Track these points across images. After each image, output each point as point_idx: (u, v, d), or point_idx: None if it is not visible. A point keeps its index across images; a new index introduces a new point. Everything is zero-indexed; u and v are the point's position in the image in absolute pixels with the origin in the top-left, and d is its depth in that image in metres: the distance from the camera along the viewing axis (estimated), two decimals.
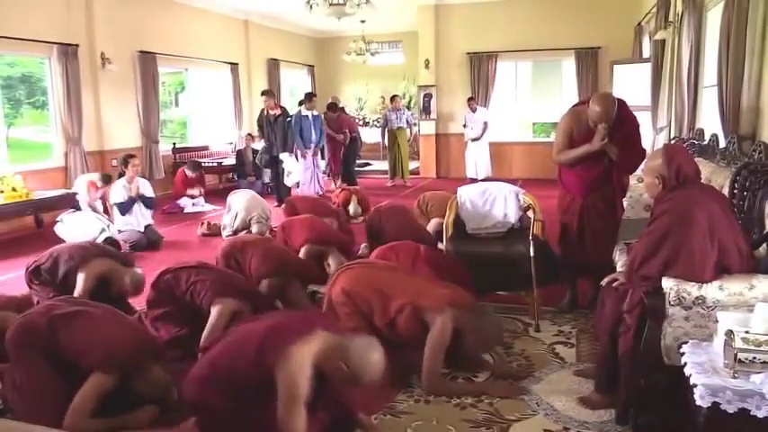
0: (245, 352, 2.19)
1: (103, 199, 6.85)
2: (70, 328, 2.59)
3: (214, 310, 3.17)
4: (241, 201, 6.49)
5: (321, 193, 8.85)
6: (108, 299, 3.42)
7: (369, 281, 3.13)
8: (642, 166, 3.32)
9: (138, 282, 3.72)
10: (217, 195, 9.08)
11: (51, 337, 2.55)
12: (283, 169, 8.50)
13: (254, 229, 6.27)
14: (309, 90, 12.97)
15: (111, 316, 2.81)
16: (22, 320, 2.66)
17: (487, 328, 3.04)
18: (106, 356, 2.51)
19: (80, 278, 3.63)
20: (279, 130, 8.33)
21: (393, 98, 10.83)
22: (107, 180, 6.91)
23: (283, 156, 8.36)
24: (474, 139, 10.34)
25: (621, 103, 3.65)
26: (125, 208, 6.13)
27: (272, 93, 8.71)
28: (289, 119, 8.42)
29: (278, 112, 8.37)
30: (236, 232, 6.23)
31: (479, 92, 10.75)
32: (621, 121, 3.60)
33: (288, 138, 8.37)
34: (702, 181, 2.85)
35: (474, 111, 10.29)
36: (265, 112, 8.38)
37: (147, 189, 6.39)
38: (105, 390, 2.50)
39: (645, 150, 3.76)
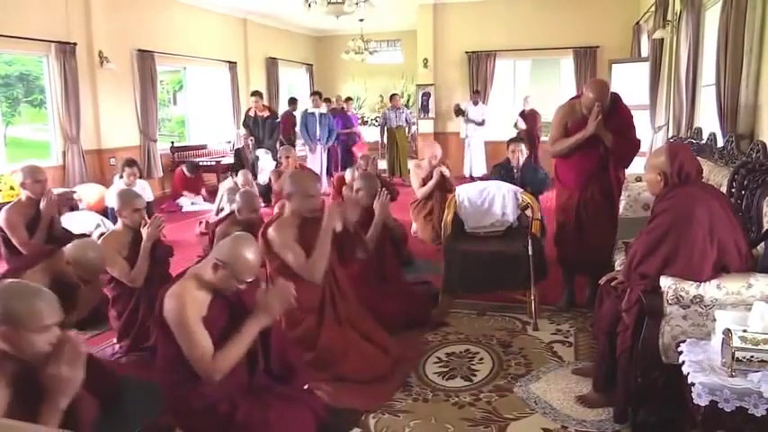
0: (157, 334, 2.26)
1: None
2: None
3: None
4: (224, 182, 6.83)
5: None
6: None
7: None
8: (642, 162, 3.33)
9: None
10: (215, 194, 9.06)
11: None
12: (258, 166, 8.50)
13: (239, 179, 6.71)
14: (309, 89, 13.07)
15: None
16: None
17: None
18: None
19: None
20: (267, 131, 8.36)
21: (392, 97, 10.86)
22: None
23: (260, 152, 8.36)
24: (478, 124, 10.39)
25: (615, 95, 3.67)
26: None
27: (261, 94, 8.71)
28: (277, 120, 8.44)
29: (266, 114, 8.41)
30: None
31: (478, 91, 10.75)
32: (616, 110, 3.63)
33: (274, 135, 8.44)
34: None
35: (476, 104, 10.34)
36: (253, 112, 8.40)
37: (147, 192, 6.38)
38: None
39: (639, 141, 3.78)
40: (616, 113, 3.64)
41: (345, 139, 10.99)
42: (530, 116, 9.99)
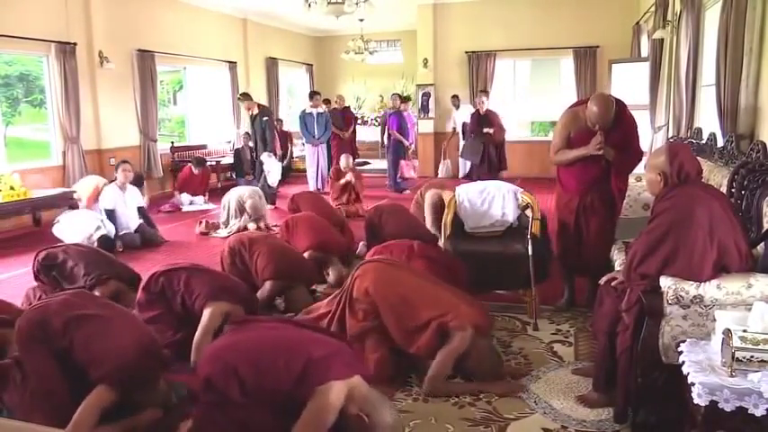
0: (289, 365, 2.18)
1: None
2: (84, 333, 2.54)
3: (206, 312, 3.16)
4: (232, 192, 6.79)
5: (320, 189, 9.11)
6: None
7: (396, 286, 3.06)
8: (643, 163, 3.32)
9: None
10: (215, 194, 9.08)
11: (64, 339, 2.52)
12: (263, 170, 8.47)
13: (248, 203, 6.60)
14: (309, 89, 13.09)
15: (124, 322, 2.75)
16: (36, 314, 2.61)
17: (491, 359, 3.04)
18: (115, 372, 2.47)
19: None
20: (258, 129, 8.34)
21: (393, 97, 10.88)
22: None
23: (263, 156, 8.34)
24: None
25: (620, 104, 3.64)
26: (112, 215, 6.08)
27: (247, 95, 8.63)
28: (266, 117, 8.38)
29: (255, 111, 8.32)
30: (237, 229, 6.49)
31: (477, 91, 10.74)
32: (620, 121, 3.59)
33: (267, 137, 8.31)
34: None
35: (458, 108, 10.35)
36: (249, 113, 8.42)
37: (137, 199, 6.38)
38: (109, 404, 2.46)
39: (642, 152, 3.76)
40: (620, 125, 3.60)
41: (395, 146, 9.77)
42: (492, 116, 8.80)
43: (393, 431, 2.22)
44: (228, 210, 6.69)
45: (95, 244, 5.45)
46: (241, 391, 2.17)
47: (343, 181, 7.74)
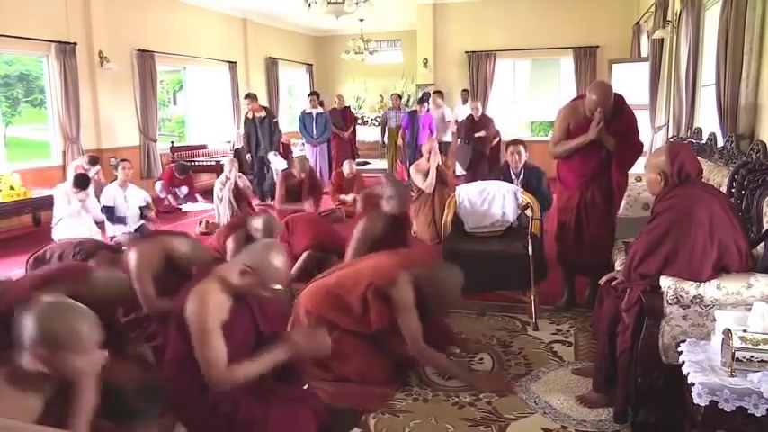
0: (172, 328, 2.22)
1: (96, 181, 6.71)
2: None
3: (130, 258, 2.97)
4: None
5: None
6: None
7: (322, 288, 3.11)
8: (642, 162, 3.32)
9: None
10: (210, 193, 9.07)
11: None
12: (270, 168, 8.55)
13: (225, 164, 6.90)
14: (309, 89, 13.09)
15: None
16: None
17: (444, 281, 3.00)
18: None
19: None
20: (266, 130, 8.41)
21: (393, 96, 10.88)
22: (94, 162, 7.02)
23: (270, 155, 8.41)
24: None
25: (619, 96, 3.65)
26: (112, 213, 6.08)
27: (254, 96, 8.72)
28: (275, 119, 8.47)
29: (263, 114, 8.47)
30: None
31: (478, 91, 10.76)
32: (619, 112, 3.60)
33: (274, 137, 8.46)
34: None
35: (465, 102, 10.25)
36: (250, 115, 8.46)
37: (138, 198, 6.37)
38: None
39: (642, 145, 3.76)
40: (619, 116, 3.61)
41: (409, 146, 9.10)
42: (485, 121, 8.60)
43: (280, 263, 2.22)
44: (216, 196, 6.81)
45: (74, 181, 5.73)
46: (191, 383, 2.18)
47: (344, 197, 7.59)
